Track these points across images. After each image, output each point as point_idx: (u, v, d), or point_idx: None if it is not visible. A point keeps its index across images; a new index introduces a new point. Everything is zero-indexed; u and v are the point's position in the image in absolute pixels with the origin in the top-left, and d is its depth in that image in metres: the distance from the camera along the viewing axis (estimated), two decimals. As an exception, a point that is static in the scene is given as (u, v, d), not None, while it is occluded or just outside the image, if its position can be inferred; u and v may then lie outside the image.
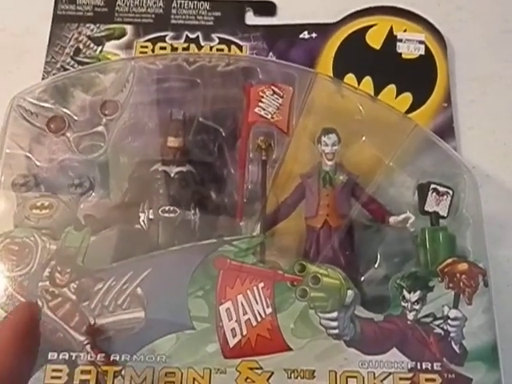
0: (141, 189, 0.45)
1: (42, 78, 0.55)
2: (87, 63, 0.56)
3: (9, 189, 0.43)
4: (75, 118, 0.46)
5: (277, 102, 0.46)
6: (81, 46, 0.57)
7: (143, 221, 0.44)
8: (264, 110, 0.46)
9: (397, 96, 0.55)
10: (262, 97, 0.46)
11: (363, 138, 0.46)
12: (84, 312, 0.39)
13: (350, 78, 0.56)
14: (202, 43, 0.57)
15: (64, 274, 0.39)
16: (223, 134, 0.48)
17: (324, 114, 0.47)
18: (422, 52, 0.57)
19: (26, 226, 0.42)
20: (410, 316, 0.40)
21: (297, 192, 0.46)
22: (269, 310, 0.39)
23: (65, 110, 0.46)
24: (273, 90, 0.46)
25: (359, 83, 0.56)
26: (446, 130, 0.54)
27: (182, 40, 0.57)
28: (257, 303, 0.39)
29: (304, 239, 0.44)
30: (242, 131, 0.45)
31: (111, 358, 0.38)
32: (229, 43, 0.57)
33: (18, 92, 0.48)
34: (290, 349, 0.39)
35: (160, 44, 0.57)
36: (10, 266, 0.40)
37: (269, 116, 0.45)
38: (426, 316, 0.40)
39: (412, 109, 0.55)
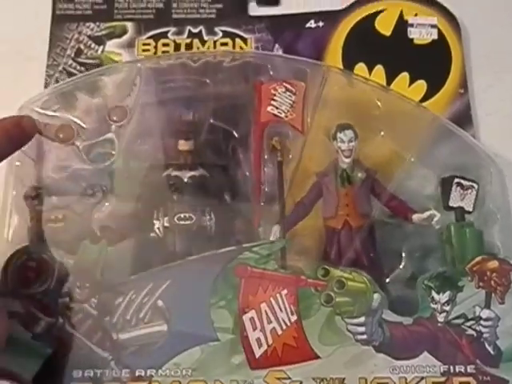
0: (153, 195, 0.44)
1: (45, 82, 0.53)
2: (89, 64, 0.54)
3: (21, 202, 0.42)
4: (83, 125, 0.44)
5: (290, 99, 0.44)
6: (82, 47, 0.55)
7: (158, 228, 0.43)
8: (277, 108, 0.44)
9: (410, 84, 0.53)
10: (274, 95, 0.44)
11: (381, 133, 0.45)
12: (106, 327, 0.38)
13: (360, 67, 0.54)
14: (206, 37, 0.55)
15: (83, 289, 0.39)
16: (235, 135, 0.46)
17: (338, 109, 0.45)
18: (435, 36, 0.54)
19: (42, 241, 0.41)
20: (441, 318, 0.39)
21: (313, 191, 0.45)
22: (294, 318, 0.38)
23: (72, 117, 0.44)
24: (285, 87, 0.44)
25: (370, 72, 0.54)
26: (464, 118, 0.52)
27: (185, 35, 0.55)
28: (281, 311, 0.39)
29: (323, 240, 0.43)
30: (255, 132, 0.44)
31: (136, 374, 0.38)
32: (233, 36, 0.54)
33: (23, 100, 0.47)
34: (318, 357, 0.38)
35: (162, 40, 0.55)
36: (29, 283, 0.39)
37: (282, 115, 0.44)
38: (457, 317, 0.39)
39: (427, 97, 0.53)
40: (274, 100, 0.44)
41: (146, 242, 0.42)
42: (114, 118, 0.44)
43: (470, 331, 0.39)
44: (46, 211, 0.42)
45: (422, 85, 0.54)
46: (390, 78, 0.53)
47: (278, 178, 0.43)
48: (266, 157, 0.44)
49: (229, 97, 0.48)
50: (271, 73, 0.46)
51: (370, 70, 0.54)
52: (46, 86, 0.52)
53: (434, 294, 0.40)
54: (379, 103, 0.44)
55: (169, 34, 0.55)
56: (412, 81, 0.53)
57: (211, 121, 0.45)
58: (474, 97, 0.53)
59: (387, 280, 0.42)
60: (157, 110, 0.47)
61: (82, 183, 0.43)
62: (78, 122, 0.44)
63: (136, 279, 0.39)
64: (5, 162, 0.43)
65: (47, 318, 0.38)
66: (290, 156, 0.44)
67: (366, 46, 0.55)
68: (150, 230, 0.43)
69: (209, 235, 0.43)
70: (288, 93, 0.44)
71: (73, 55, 0.54)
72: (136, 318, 0.38)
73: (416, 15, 0.56)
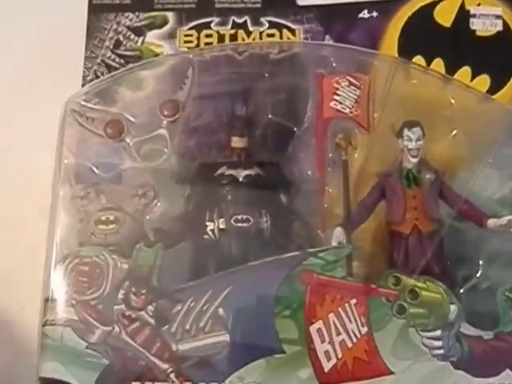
0: (206, 195, 0.42)
1: (83, 75, 0.51)
2: (129, 56, 0.52)
3: (69, 202, 0.40)
4: (132, 119, 0.42)
5: (354, 93, 0.41)
6: (121, 38, 0.52)
7: (212, 230, 0.41)
8: (341, 103, 0.41)
9: (472, 79, 0.50)
10: (337, 89, 0.41)
11: (453, 132, 0.42)
12: (165, 337, 0.36)
13: (418, 60, 0.50)
14: (251, 28, 0.52)
15: (139, 296, 0.36)
16: (293, 131, 0.44)
17: (406, 105, 0.42)
18: (500, 28, 0.51)
19: (93, 244, 0.38)
20: (524, 333, 0.37)
21: (375, 192, 0.42)
22: (364, 330, 0.36)
23: (121, 112, 0.41)
24: (348, 80, 0.42)
25: (429, 66, 0.50)
26: (531, 115, 0.50)
27: (229, 26, 0.53)
28: (350, 322, 0.36)
29: (386, 245, 0.41)
30: (317, 128, 0.41)
31: (198, 387, 0.36)
32: (280, 27, 0.52)
33: (61, 93, 0.45)
34: (392, 372, 0.35)
35: (205, 31, 0.52)
36: (82, 289, 0.37)
37: (347, 110, 0.41)
38: (543, 332, 0.36)
39: (490, 92, 0.50)
40: (337, 94, 0.41)
41: (201, 245, 0.40)
42: (166, 113, 0.42)
43: (557, 348, 0.36)
44: (96, 212, 0.39)
45: (484, 80, 0.50)
46: (450, 72, 0.50)
47: (344, 179, 0.40)
48: (329, 155, 0.41)
49: (285, 90, 0.45)
50: (334, 64, 0.43)
51: (429, 63, 0.51)
52: (84, 79, 0.51)
53: (516, 306, 0.37)
54: (453, 101, 0.41)
55: (212, 25, 0.53)
56: (474, 75, 0.50)
57: (269, 116, 0.43)
58: (543, 92, 0.50)
59: (461, 290, 0.39)
60: (208, 104, 0.44)
61: (132, 182, 0.41)
62: (128, 116, 0.42)
63: (195, 285, 0.37)
64: (53, 159, 0.41)
65: (103, 327, 0.36)
66: (356, 155, 0.41)
67: (424, 37, 0.51)
68: (202, 233, 0.41)
69: (266, 238, 0.40)
70: (352, 87, 0.42)
71: (111, 47, 0.52)
72: (196, 327, 0.36)
73: (479, 5, 0.52)
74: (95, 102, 0.43)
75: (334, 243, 0.40)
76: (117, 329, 0.36)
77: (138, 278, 0.37)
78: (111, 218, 0.39)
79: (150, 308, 0.36)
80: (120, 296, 0.36)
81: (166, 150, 0.41)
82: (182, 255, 0.39)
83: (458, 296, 0.38)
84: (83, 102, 0.42)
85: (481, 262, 0.39)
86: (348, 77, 0.42)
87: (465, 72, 0.51)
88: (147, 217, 0.40)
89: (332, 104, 0.41)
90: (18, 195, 0.47)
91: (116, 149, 0.41)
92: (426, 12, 0.53)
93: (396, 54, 0.51)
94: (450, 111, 0.42)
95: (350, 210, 0.40)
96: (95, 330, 0.36)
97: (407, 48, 0.51)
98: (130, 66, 0.48)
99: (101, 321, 0.36)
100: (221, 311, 0.36)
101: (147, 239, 0.39)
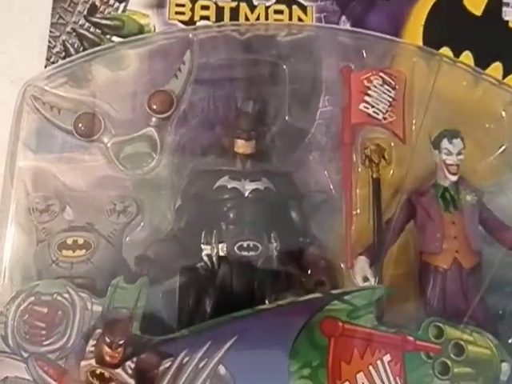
0: (201, 210, 0.34)
1: (49, 46, 0.42)
2: (107, 26, 0.44)
3: (24, 217, 0.31)
4: (112, 114, 0.33)
5: (388, 95, 0.34)
6: (97, 3, 0.44)
7: (208, 256, 0.33)
8: (373, 106, 0.34)
9: (504, 77, 0.44)
10: (369, 88, 0.34)
11: (503, 147, 0.35)
12: (149, 405, 0.28)
13: (444, 52, 0.44)
14: (255, 2, 0.45)
15: (115, 348, 0.28)
16: (309, 133, 0.36)
17: (448, 112, 0.35)
18: (535, 20, 0.46)
19: (55, 276, 0.30)
20: None
21: (403, 213, 0.35)
22: (400, 393, 0.30)
23: (99, 102, 0.32)
24: (382, 77, 0.34)
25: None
26: None
27: (230, -3, 0.45)
28: (383, 384, 0.30)
29: (418, 280, 0.34)
30: (343, 136, 0.34)
31: None
32: (290, 2, 0.45)
33: (20, 68, 0.36)
34: None
35: (201, 2, 0.45)
36: (38, 338, 0.28)
37: (380, 116, 0.34)
38: None
39: (528, 93, 0.45)
40: (368, 95, 0.34)
41: (194, 277, 0.32)
42: (155, 107, 0.33)
43: None
44: (59, 232, 0.31)
45: (518, 78, 0.45)
46: (480, 67, 0.44)
47: (374, 201, 0.33)
48: (358, 169, 0.34)
49: (297, 81, 0.37)
50: (365, 55, 0.35)
51: (457, 56, 0.44)
52: (49, 50, 0.43)
53: None
54: (504, 113, 0.35)
55: (209, -6, 0.45)
56: (507, 73, 0.44)
57: (286, 118, 0.35)
58: None
59: (509, 341, 0.33)
60: (207, 94, 0.36)
61: (109, 194, 0.32)
62: (107, 108, 0.33)
63: (189, 335, 0.29)
64: (4, 159, 0.32)
65: (66, 389, 0.28)
66: (392, 171, 0.34)
67: (452, 26, 0.45)
68: (196, 258, 0.33)
69: (276, 270, 0.33)
70: (386, 86, 0.34)
71: (85, 13, 0.44)
72: (190, 390, 0.29)
73: (513, -8, 0.46)
74: (63, 86, 0.33)
75: (359, 278, 0.33)
76: (84, 393, 0.28)
77: (115, 324, 0.28)
78: (80, 240, 0.30)
79: (130, 364, 0.28)
80: (89, 348, 0.28)
81: (154, 155, 0.32)
82: (172, 292, 0.31)
83: (508, 347, 0.32)
84: (47, 88, 0.33)
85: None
86: (382, 73, 0.34)
87: (495, 69, 0.45)
88: (127, 239, 0.32)
89: (362, 107, 0.34)
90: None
91: (90, 151, 0.33)
92: (454, -4, 0.47)
93: (420, 43, 0.44)
94: (500, 124, 0.35)
95: (383, 239, 0.33)
96: (56, 393, 0.28)
97: (433, 37, 0.45)
98: (112, 44, 0.38)
99: (63, 382, 0.27)
100: (222, 369, 0.29)
101: (127, 271, 0.30)
